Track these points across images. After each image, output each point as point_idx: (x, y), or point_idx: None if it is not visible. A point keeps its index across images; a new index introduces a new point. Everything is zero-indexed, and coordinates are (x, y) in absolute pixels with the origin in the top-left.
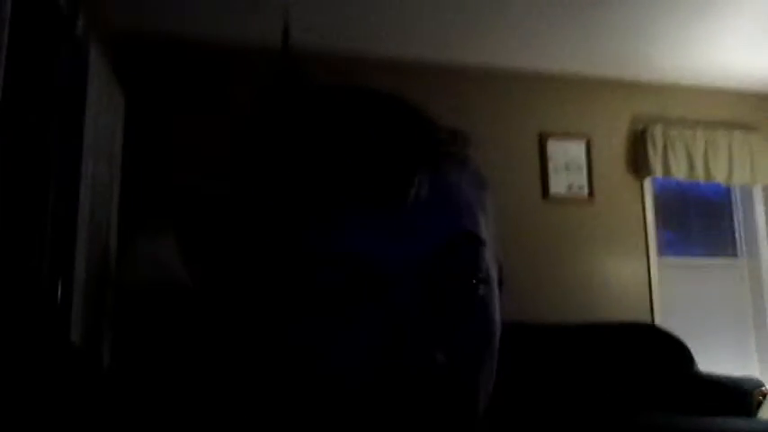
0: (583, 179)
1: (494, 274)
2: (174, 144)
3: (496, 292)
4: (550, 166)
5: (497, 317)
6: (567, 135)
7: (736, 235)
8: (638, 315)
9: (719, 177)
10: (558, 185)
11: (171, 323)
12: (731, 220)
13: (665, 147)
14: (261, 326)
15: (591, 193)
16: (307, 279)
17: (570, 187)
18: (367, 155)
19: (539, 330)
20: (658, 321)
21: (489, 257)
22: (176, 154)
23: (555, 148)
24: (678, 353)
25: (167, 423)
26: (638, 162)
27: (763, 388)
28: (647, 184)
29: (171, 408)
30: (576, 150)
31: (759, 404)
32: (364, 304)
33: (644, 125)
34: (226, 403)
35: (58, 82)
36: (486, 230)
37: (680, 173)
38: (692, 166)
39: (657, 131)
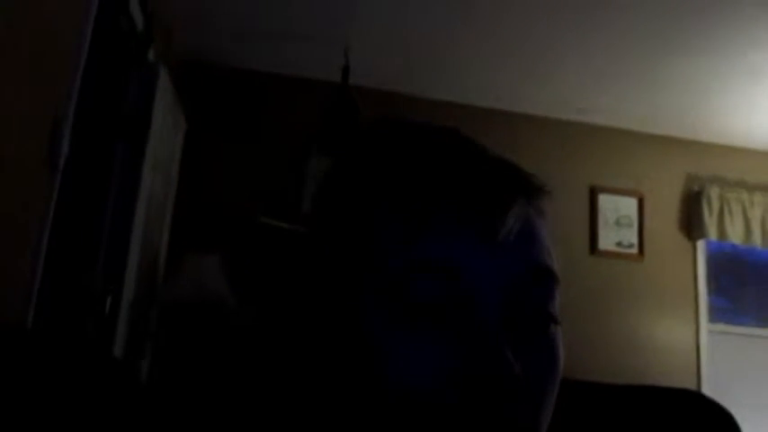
0: (633, 236)
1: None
2: (227, 168)
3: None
4: (600, 220)
5: (562, 359)
6: (619, 190)
7: None
8: (683, 381)
9: None
10: (606, 241)
11: (211, 341)
12: None
13: (720, 209)
14: (336, 339)
15: (641, 251)
16: (395, 289)
17: (619, 243)
18: (470, 171)
19: (580, 387)
20: (705, 390)
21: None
22: (227, 177)
23: (606, 203)
24: (725, 424)
25: None
26: (691, 223)
27: None
28: (701, 245)
29: (209, 426)
30: (628, 206)
31: None
32: (452, 318)
33: (699, 185)
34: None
35: (128, 102)
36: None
37: (736, 237)
38: (748, 231)
39: (713, 193)
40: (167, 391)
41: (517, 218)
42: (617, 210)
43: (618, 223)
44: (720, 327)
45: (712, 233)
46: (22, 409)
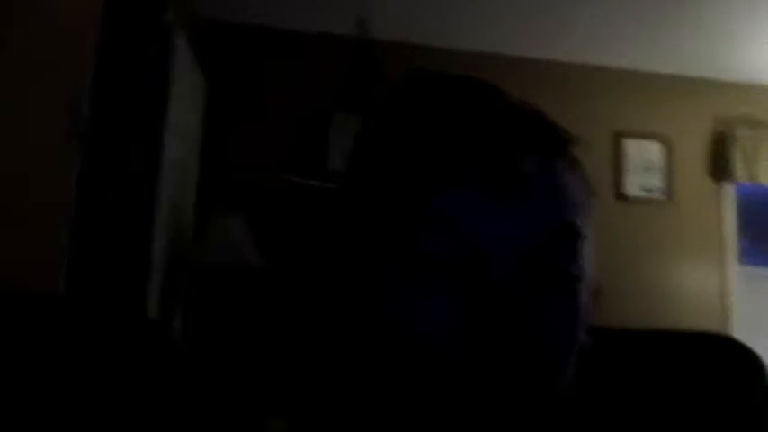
0: (659, 181)
1: (590, 274)
2: (250, 128)
3: (589, 293)
4: (625, 166)
5: (585, 316)
6: (644, 135)
7: None
8: (711, 324)
9: None
10: (632, 187)
11: (241, 302)
12: None
13: (750, 150)
14: (350, 292)
15: (668, 197)
16: (409, 241)
17: (646, 189)
18: (485, 126)
19: (608, 334)
20: (734, 333)
21: (587, 256)
22: (251, 137)
23: (631, 148)
24: (752, 367)
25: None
26: (719, 165)
27: None
28: (729, 189)
29: (240, 387)
30: (654, 151)
31: None
32: (463, 274)
33: (728, 127)
34: (295, 380)
35: (145, 67)
36: (586, 231)
37: (766, 179)
38: None
39: (742, 134)
40: (200, 350)
41: (534, 173)
42: (643, 155)
43: (644, 168)
44: (750, 270)
45: (741, 175)
46: (66, 370)
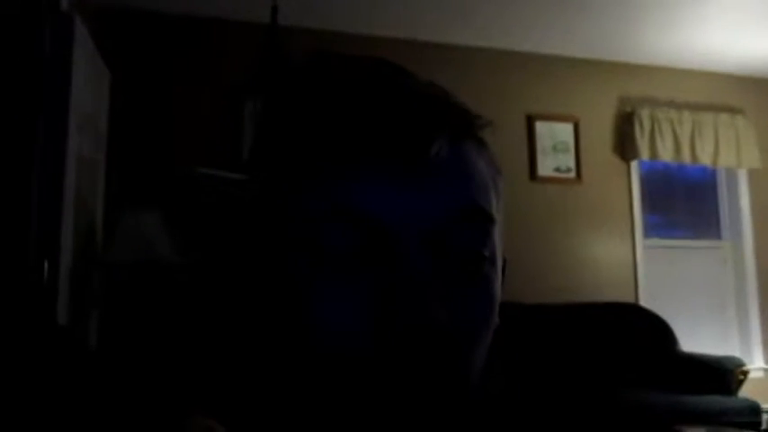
0: (570, 161)
1: (499, 257)
2: (159, 119)
3: (500, 275)
4: (538, 147)
5: (497, 299)
6: (554, 116)
7: (720, 217)
8: (623, 295)
9: (705, 160)
10: (545, 167)
11: (157, 300)
12: (716, 202)
13: (651, 129)
14: (263, 288)
15: (578, 175)
16: (312, 237)
17: (558, 169)
18: (388, 109)
19: (524, 309)
20: (643, 302)
21: (497, 239)
22: (160, 129)
23: (543, 130)
24: (661, 332)
25: (155, 402)
26: (624, 144)
27: (743, 367)
28: (634, 166)
29: (158, 386)
30: (564, 132)
31: (739, 383)
32: (370, 263)
33: (631, 107)
34: (213, 378)
35: (43, 57)
36: (496, 214)
37: (666, 155)
38: (678, 149)
39: (645, 113)
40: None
41: (442, 155)
42: (553, 136)
43: (555, 149)
44: (655, 241)
45: (644, 153)
46: None
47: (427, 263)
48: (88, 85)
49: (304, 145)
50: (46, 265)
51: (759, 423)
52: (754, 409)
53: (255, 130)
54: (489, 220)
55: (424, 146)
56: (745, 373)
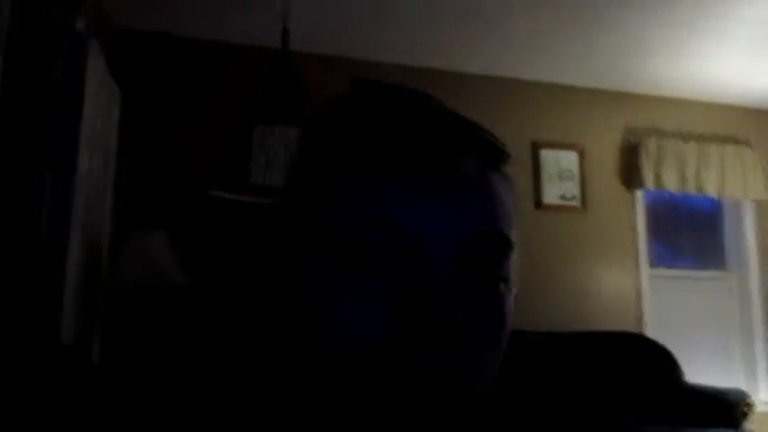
0: (575, 189)
1: (513, 284)
2: (168, 140)
3: (512, 299)
4: (543, 175)
5: (510, 319)
6: (560, 144)
7: (726, 248)
8: (627, 325)
9: (711, 190)
10: (550, 195)
11: (164, 322)
12: (721, 233)
13: (657, 159)
14: (283, 301)
15: (583, 204)
16: (341, 240)
17: (563, 197)
18: (426, 128)
19: (528, 337)
20: (647, 332)
21: (513, 266)
22: (169, 150)
23: (548, 157)
24: (665, 363)
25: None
26: (630, 173)
27: (748, 399)
28: (639, 195)
29: (163, 406)
30: (569, 160)
31: (744, 415)
32: (397, 268)
33: (637, 137)
34: (221, 398)
35: (56, 77)
36: (515, 242)
37: (672, 185)
38: (683, 179)
39: (651, 143)
40: (118, 374)
41: (472, 178)
42: (558, 164)
43: (560, 177)
44: (660, 271)
45: (650, 182)
46: None
47: (450, 271)
48: (99, 105)
49: (341, 165)
50: (51, 282)
51: None
52: None
53: (296, 150)
54: (509, 246)
55: (456, 161)
56: (749, 406)
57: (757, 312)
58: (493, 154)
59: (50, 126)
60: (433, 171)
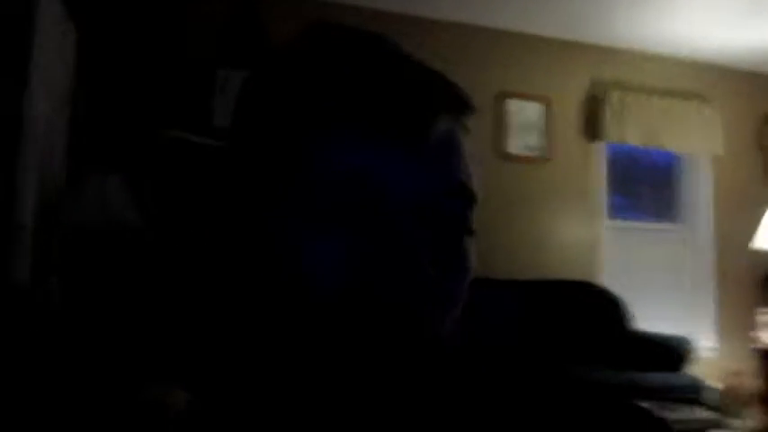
0: (539, 140)
1: (476, 236)
2: (128, 81)
3: (474, 252)
4: (507, 125)
5: (471, 270)
6: (525, 95)
7: (682, 202)
8: (584, 274)
9: (671, 146)
10: (514, 145)
11: (121, 263)
12: (678, 187)
13: (620, 112)
14: (239, 244)
15: (546, 155)
16: (316, 191)
17: (526, 148)
18: (396, 85)
19: (483, 284)
20: (603, 281)
21: (476, 219)
22: (127, 92)
23: (513, 108)
24: (614, 310)
25: (117, 364)
26: (593, 126)
27: (689, 345)
28: (601, 148)
29: (118, 353)
30: (534, 111)
31: (683, 360)
32: (360, 219)
33: (602, 90)
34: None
35: (5, 12)
36: (477, 194)
37: (634, 140)
38: (645, 134)
39: (614, 97)
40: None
41: (440, 131)
42: (524, 115)
43: (524, 128)
44: (618, 223)
45: (612, 135)
46: None
47: (415, 226)
48: (52, 44)
49: (305, 110)
50: (2, 224)
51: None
52: (696, 386)
53: (243, 95)
54: (473, 198)
55: (427, 126)
56: (690, 351)
57: (708, 264)
58: (459, 108)
59: None
60: (403, 127)
